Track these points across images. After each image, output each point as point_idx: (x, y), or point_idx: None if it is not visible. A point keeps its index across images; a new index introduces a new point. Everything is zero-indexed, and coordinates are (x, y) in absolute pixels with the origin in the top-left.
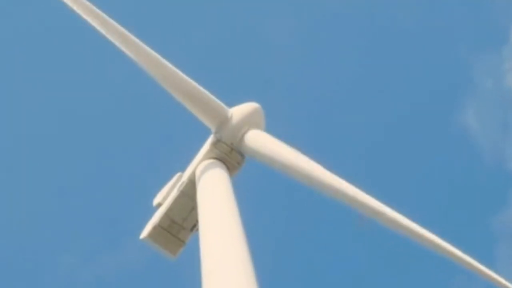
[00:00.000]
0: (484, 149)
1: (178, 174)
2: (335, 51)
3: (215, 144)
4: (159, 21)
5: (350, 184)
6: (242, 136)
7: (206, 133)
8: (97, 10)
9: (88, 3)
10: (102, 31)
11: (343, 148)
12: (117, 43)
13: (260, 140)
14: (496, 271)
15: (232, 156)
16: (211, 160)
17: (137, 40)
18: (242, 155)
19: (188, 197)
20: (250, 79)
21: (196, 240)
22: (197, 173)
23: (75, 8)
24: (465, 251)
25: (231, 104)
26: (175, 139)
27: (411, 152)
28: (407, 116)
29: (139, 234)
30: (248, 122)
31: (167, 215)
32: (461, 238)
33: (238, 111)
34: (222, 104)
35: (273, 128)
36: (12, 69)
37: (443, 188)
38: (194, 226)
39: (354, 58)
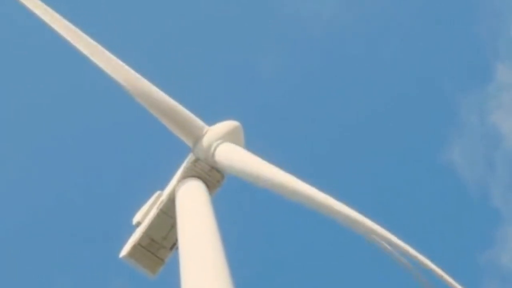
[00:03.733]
0: (470, 186)
1: (158, 192)
2: (321, 83)
3: (194, 162)
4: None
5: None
6: (214, 151)
7: (185, 151)
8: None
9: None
10: (77, 46)
11: (323, 181)
12: (92, 57)
13: (231, 153)
14: None
15: (211, 174)
16: (191, 179)
17: (107, 52)
18: (221, 173)
19: (167, 216)
20: (232, 99)
21: (176, 259)
22: (177, 191)
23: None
24: None
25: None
26: (153, 157)
27: (396, 188)
28: (392, 152)
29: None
30: (222, 137)
31: (146, 234)
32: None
33: (214, 128)
34: (200, 121)
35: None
36: None
37: (428, 224)
38: (174, 245)
39: (338, 93)
